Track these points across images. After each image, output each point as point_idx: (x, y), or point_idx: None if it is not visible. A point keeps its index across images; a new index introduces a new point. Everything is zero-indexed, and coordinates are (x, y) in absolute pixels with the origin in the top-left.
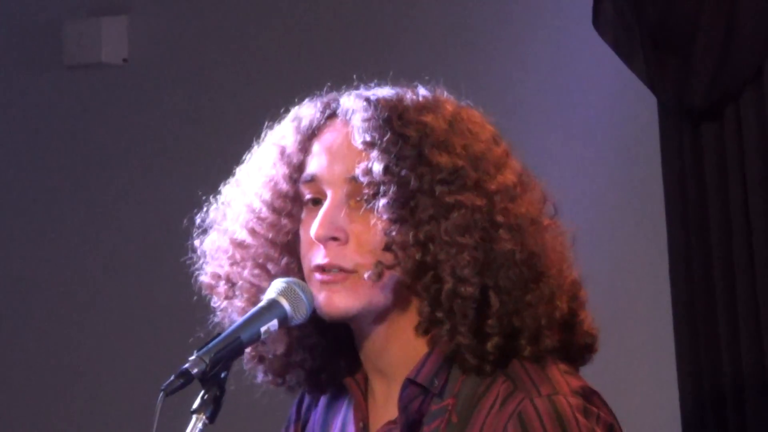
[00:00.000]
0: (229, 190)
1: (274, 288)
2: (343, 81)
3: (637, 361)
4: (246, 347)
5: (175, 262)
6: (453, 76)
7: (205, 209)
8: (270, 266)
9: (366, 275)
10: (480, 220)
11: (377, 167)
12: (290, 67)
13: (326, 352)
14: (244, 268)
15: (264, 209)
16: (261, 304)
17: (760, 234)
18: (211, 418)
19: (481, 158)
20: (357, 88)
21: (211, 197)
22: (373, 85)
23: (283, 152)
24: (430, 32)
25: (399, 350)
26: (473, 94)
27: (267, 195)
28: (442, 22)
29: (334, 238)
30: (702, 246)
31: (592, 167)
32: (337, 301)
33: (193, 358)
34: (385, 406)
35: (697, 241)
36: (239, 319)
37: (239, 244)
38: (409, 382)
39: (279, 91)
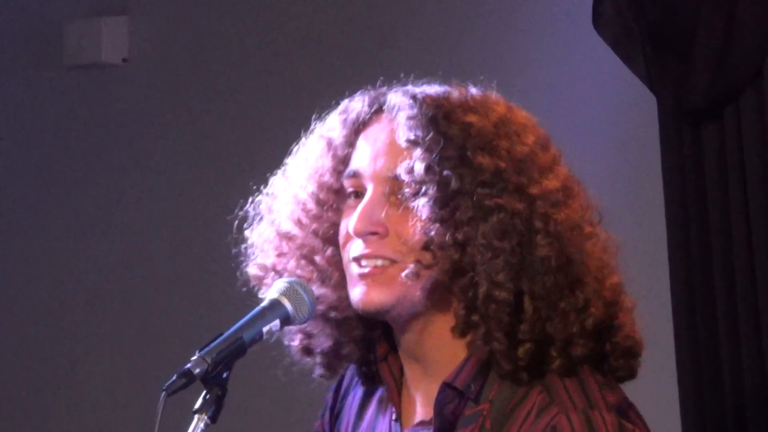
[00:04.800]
0: (277, 181)
1: (276, 288)
2: (344, 81)
3: None
4: (248, 347)
5: (175, 261)
6: (452, 75)
7: (249, 201)
8: (316, 258)
9: (404, 274)
10: (518, 225)
11: (419, 166)
12: (290, 67)
13: (370, 345)
14: (290, 259)
15: (309, 201)
16: (263, 303)
17: (760, 234)
18: (213, 418)
19: (524, 161)
20: (384, 84)
21: (256, 189)
22: (421, 83)
23: (329, 145)
24: (429, 32)
25: (435, 349)
26: None
27: (312, 187)
28: (442, 22)
29: (373, 233)
30: (702, 246)
31: (592, 167)
32: (372, 296)
33: (195, 358)
34: (419, 401)
35: (697, 241)
36: (241, 320)
37: (285, 236)
38: (446, 386)
39: (279, 91)
